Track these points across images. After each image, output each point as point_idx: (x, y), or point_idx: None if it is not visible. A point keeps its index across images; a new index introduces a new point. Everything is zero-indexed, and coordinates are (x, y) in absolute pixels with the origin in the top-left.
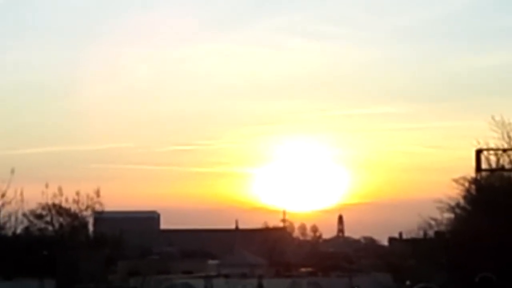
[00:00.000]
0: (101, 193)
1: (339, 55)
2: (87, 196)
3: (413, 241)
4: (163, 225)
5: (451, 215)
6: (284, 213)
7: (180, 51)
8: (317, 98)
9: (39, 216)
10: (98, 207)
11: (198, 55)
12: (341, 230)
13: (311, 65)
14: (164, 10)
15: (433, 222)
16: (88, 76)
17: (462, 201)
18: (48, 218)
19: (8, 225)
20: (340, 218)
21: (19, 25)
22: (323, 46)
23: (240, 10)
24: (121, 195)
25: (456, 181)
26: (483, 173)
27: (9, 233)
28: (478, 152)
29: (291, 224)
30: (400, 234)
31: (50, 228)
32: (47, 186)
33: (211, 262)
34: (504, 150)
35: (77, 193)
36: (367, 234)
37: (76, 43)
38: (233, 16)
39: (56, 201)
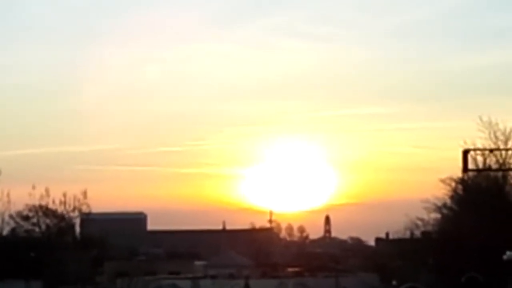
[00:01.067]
0: (88, 195)
1: (328, 56)
2: (74, 197)
3: (399, 242)
4: (150, 226)
5: (438, 215)
6: (271, 213)
7: (169, 53)
8: (306, 98)
9: (26, 218)
10: (85, 209)
11: (188, 57)
12: (328, 230)
13: (300, 66)
14: (155, 11)
15: (420, 222)
16: (76, 78)
17: (449, 201)
18: (34, 220)
19: None
20: (327, 219)
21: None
22: (313, 47)
23: (230, 11)
24: (108, 196)
25: (443, 181)
26: (470, 173)
27: None
28: (465, 153)
29: (278, 224)
30: (387, 234)
31: (37, 229)
32: (34, 187)
33: (198, 263)
34: (491, 150)
35: (64, 195)
36: (354, 234)
37: (69, 44)
38: (223, 18)
39: (43, 203)
